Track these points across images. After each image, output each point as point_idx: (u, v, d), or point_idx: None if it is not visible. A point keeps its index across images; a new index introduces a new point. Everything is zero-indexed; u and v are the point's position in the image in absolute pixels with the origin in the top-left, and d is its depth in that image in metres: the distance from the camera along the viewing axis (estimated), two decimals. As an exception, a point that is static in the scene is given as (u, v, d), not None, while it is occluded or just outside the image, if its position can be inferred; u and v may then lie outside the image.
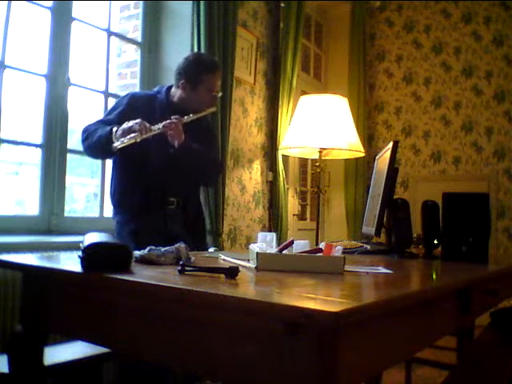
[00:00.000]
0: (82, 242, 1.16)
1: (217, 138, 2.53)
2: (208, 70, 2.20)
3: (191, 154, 2.14)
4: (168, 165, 2.14)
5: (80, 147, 2.23)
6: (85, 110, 3.03)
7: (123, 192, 2.18)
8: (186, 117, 2.10)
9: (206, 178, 2.37)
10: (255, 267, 1.23)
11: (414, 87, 4.52)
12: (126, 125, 1.97)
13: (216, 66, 2.25)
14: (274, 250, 1.35)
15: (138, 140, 1.95)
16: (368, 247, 1.99)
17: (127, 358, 1.94)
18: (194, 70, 2.19)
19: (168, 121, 2.03)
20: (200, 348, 0.93)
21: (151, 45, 3.11)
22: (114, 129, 1.99)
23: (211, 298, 0.89)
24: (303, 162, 4.50)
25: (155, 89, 2.35)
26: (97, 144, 2.05)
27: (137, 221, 2.15)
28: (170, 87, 2.29)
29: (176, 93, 2.24)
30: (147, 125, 1.99)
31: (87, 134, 2.10)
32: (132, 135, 1.94)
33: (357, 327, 0.85)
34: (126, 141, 1.94)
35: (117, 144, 1.95)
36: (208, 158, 2.27)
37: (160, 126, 2.02)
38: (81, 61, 2.75)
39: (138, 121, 1.98)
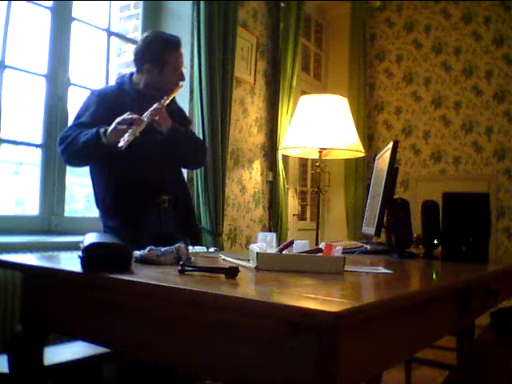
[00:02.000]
0: (81, 241, 1.16)
1: (190, 117, 2.51)
2: (171, 48, 2.11)
3: (180, 137, 2.09)
4: (157, 160, 2.08)
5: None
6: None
7: (116, 196, 2.06)
8: (162, 100, 2.03)
9: (196, 158, 2.32)
10: (255, 267, 1.23)
11: (414, 87, 4.52)
12: (115, 123, 1.89)
13: (178, 42, 2.14)
14: (274, 249, 1.35)
15: (137, 134, 1.88)
16: (368, 247, 1.99)
17: (127, 358, 1.94)
18: (157, 51, 2.08)
19: (151, 108, 1.97)
20: (200, 348, 0.93)
21: (151, 45, 3.10)
22: (102, 130, 1.90)
23: (211, 298, 0.89)
24: (303, 162, 4.50)
25: (116, 80, 2.22)
26: (84, 149, 1.93)
27: (134, 225, 2.04)
28: (131, 75, 2.18)
29: (141, 79, 2.13)
30: (137, 116, 1.91)
31: (67, 142, 1.97)
32: (130, 131, 1.86)
33: (357, 327, 0.85)
34: (127, 138, 1.86)
35: (122, 144, 1.85)
36: (194, 137, 2.25)
37: (147, 114, 1.95)
38: (81, 61, 2.75)
39: (127, 113, 1.90)
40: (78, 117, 2.08)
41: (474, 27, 4.26)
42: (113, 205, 2.06)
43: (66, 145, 1.98)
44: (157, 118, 1.97)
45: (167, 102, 2.05)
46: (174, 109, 2.21)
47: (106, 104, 2.02)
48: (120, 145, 1.85)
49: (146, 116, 1.94)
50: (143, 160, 2.04)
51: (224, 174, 3.01)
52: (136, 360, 1.87)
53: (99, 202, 2.12)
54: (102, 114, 1.97)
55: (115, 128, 1.87)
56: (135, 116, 1.90)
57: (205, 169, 2.82)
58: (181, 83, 2.16)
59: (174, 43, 2.12)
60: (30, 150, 2.71)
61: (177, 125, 2.09)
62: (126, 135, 1.85)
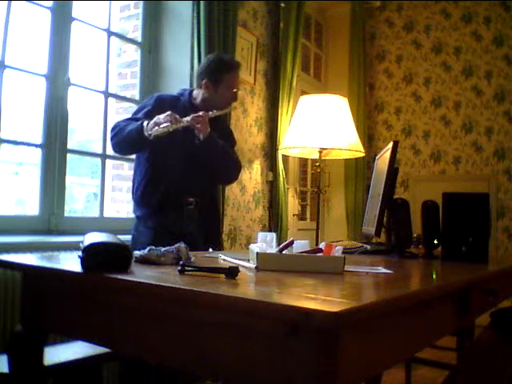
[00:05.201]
0: (82, 241, 1.16)
1: (235, 139, 2.58)
2: (229, 68, 2.29)
3: (215, 147, 2.21)
4: (189, 163, 2.22)
5: (80, 147, 2.24)
6: (85, 110, 3.03)
7: (145, 189, 2.25)
8: (210, 112, 2.18)
9: (227, 172, 2.41)
10: (255, 267, 1.22)
11: (414, 87, 4.52)
12: (156, 118, 2.07)
13: (236, 65, 2.34)
14: (273, 249, 1.35)
15: (171, 130, 2.04)
16: (368, 247, 1.99)
17: (128, 358, 1.94)
18: (216, 70, 2.28)
19: (195, 114, 2.12)
20: (200, 348, 0.93)
21: (151, 45, 3.11)
22: (145, 122, 2.09)
23: (211, 298, 0.89)
24: (303, 162, 4.50)
25: (178, 91, 2.43)
26: (128, 137, 2.13)
27: (155, 218, 2.23)
28: (192, 90, 2.38)
29: (198, 94, 2.33)
30: (177, 116, 2.07)
31: (117, 130, 2.19)
32: (164, 125, 2.03)
33: (357, 327, 0.85)
34: (160, 129, 2.03)
35: (152, 132, 2.03)
36: (230, 153, 2.35)
37: (188, 118, 2.10)
38: (81, 61, 2.75)
39: (168, 113, 2.07)
40: (135, 113, 2.30)
41: (474, 27, 4.26)
42: (141, 196, 2.26)
43: (115, 132, 2.19)
44: (197, 124, 2.11)
45: (213, 115, 2.20)
46: (221, 126, 2.37)
47: (161, 108, 2.16)
48: (149, 133, 2.04)
49: (186, 119, 2.10)
50: (174, 162, 2.22)
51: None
52: (137, 360, 1.88)
53: (132, 192, 2.32)
54: (154, 115, 2.11)
55: (154, 121, 2.06)
56: (173, 116, 2.06)
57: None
58: (233, 104, 2.35)
59: (230, 65, 2.32)
60: (30, 150, 2.71)
61: (215, 136, 2.20)
62: (158, 127, 2.03)
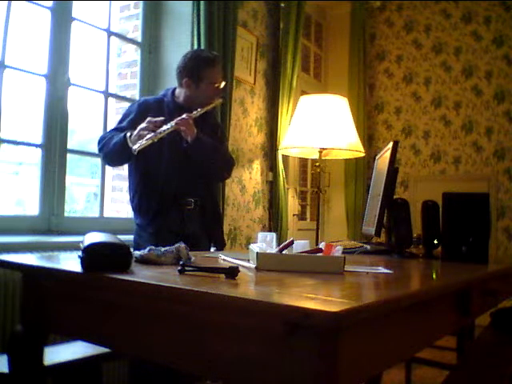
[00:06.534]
0: (82, 241, 1.16)
1: (226, 134, 2.55)
2: (208, 64, 2.23)
3: (204, 148, 2.17)
4: (183, 164, 2.19)
5: (80, 147, 2.24)
6: (85, 110, 3.03)
7: (141, 196, 2.23)
8: (194, 112, 2.15)
9: (219, 171, 2.39)
10: (255, 267, 1.23)
11: (413, 87, 4.52)
12: (138, 128, 2.04)
13: (215, 60, 2.28)
14: (273, 250, 1.35)
15: (155, 140, 2.01)
16: (368, 247, 1.99)
17: (136, 361, 1.95)
18: (195, 67, 2.22)
19: (179, 118, 2.09)
20: (200, 348, 0.93)
21: (151, 45, 3.11)
22: (128, 134, 2.06)
23: (211, 297, 0.89)
24: (303, 162, 4.50)
25: (161, 92, 2.39)
26: (114, 151, 2.12)
27: (156, 223, 2.20)
28: (175, 89, 2.33)
29: (181, 93, 2.28)
30: (160, 119, 2.05)
31: (103, 143, 2.17)
32: (148, 136, 2.00)
33: (357, 327, 0.85)
34: (144, 142, 1.99)
35: (136, 147, 2.00)
36: (220, 151, 2.32)
37: (172, 123, 2.07)
38: (81, 61, 2.75)
39: (147, 119, 2.04)
40: (119, 122, 2.27)
41: (474, 27, 4.26)
42: (138, 204, 2.24)
43: (102, 146, 2.18)
44: (182, 127, 2.08)
45: (197, 114, 2.16)
46: (209, 123, 2.33)
47: (145, 113, 2.13)
48: (134, 147, 2.00)
49: (170, 124, 2.06)
50: (168, 165, 2.19)
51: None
52: (138, 360, 1.88)
53: (130, 201, 2.31)
54: (139, 122, 2.08)
55: (138, 133, 2.03)
56: (156, 120, 2.04)
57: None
58: (218, 100, 2.29)
59: (209, 60, 2.25)
60: (30, 150, 2.71)
61: (204, 136, 2.18)
62: (143, 140, 1.99)
